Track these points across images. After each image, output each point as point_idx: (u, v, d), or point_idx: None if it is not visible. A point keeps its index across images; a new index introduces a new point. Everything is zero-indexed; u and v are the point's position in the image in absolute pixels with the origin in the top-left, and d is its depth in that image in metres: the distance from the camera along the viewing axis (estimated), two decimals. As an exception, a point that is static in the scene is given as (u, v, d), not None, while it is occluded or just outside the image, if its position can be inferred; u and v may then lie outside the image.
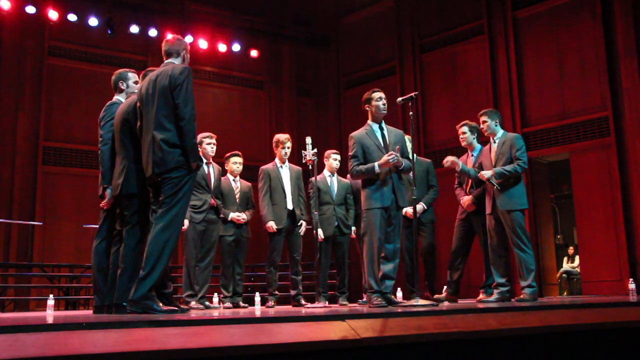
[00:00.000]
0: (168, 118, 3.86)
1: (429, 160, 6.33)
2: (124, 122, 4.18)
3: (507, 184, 5.25)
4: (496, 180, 5.23)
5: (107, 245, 4.37)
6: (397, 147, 4.58)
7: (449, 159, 5.51)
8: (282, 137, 6.49)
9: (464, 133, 5.79)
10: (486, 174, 5.28)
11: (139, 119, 4.05)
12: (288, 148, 6.43)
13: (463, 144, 5.86)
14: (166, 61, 4.13)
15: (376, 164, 4.52)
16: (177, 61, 4.11)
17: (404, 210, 5.71)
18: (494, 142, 5.46)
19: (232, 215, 6.38)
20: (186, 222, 5.75)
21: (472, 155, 5.81)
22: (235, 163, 6.59)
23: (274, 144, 6.54)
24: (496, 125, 5.47)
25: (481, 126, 5.55)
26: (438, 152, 9.75)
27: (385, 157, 4.51)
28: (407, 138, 5.99)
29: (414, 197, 4.59)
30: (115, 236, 4.29)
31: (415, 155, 6.05)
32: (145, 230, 4.13)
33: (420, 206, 5.90)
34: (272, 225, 6.20)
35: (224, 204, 6.40)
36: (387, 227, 4.56)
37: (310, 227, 6.56)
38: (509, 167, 5.23)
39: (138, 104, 4.08)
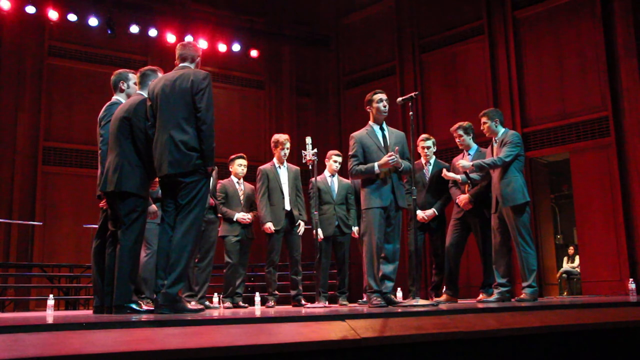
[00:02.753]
0: (187, 121, 3.89)
1: (447, 165, 6.17)
2: (124, 121, 4.15)
3: (505, 181, 5.24)
4: (476, 172, 5.33)
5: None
6: (397, 147, 4.58)
7: (449, 176, 5.58)
8: (281, 138, 6.47)
9: (460, 136, 5.80)
10: (464, 164, 5.33)
11: (151, 117, 4.05)
12: (287, 149, 6.42)
13: (461, 147, 5.88)
14: (181, 64, 4.15)
15: (376, 164, 4.54)
16: (192, 67, 4.14)
17: (419, 214, 5.72)
18: (495, 142, 5.46)
19: (238, 215, 6.39)
20: None
21: (469, 154, 5.81)
22: (240, 165, 6.60)
23: (272, 144, 6.51)
24: (497, 126, 5.46)
25: (482, 127, 5.55)
26: (438, 152, 9.71)
27: (385, 158, 4.52)
28: (432, 142, 6.05)
29: (413, 197, 4.58)
30: (109, 237, 4.28)
31: (435, 157, 6.10)
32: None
33: (430, 211, 5.88)
34: (269, 226, 6.20)
35: (228, 205, 6.41)
36: (386, 227, 4.56)
37: (310, 227, 6.56)
38: (488, 160, 5.25)
39: (149, 103, 4.08)
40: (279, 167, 6.44)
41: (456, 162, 5.85)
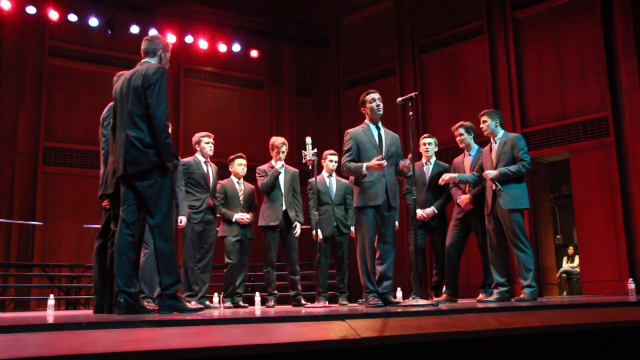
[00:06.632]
0: (141, 118, 3.82)
1: (447, 165, 6.17)
2: None
3: (509, 183, 5.24)
4: (499, 180, 5.25)
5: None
6: (409, 160, 4.50)
7: (444, 178, 5.56)
8: (277, 141, 6.46)
9: (461, 135, 5.80)
10: (490, 174, 5.28)
11: (113, 117, 4.03)
12: (283, 152, 6.42)
13: (461, 145, 5.87)
14: (142, 60, 4.07)
15: (364, 165, 4.50)
16: (153, 61, 4.05)
17: (419, 212, 5.72)
18: (495, 142, 5.45)
19: (237, 216, 6.39)
20: (183, 219, 5.76)
21: (470, 154, 5.81)
22: (240, 165, 6.59)
23: (270, 147, 6.52)
24: (496, 126, 5.46)
25: (481, 126, 5.55)
26: (437, 152, 9.73)
27: (374, 161, 4.47)
28: (434, 141, 6.04)
29: (413, 197, 4.57)
30: (111, 237, 4.29)
31: (435, 158, 6.10)
32: (141, 231, 4.14)
33: (430, 209, 5.89)
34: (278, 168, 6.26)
35: (228, 205, 6.41)
36: (380, 227, 4.55)
37: (309, 227, 6.57)
38: (512, 168, 5.23)
39: (112, 103, 4.08)
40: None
41: (457, 163, 5.86)
